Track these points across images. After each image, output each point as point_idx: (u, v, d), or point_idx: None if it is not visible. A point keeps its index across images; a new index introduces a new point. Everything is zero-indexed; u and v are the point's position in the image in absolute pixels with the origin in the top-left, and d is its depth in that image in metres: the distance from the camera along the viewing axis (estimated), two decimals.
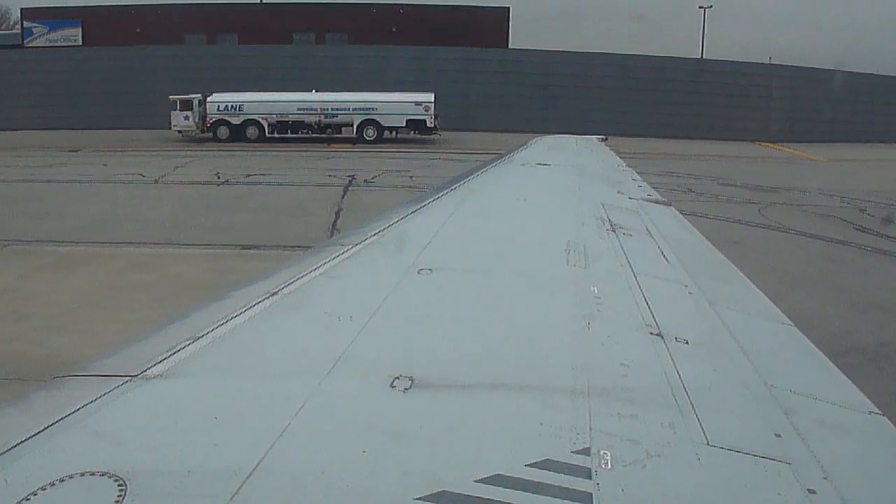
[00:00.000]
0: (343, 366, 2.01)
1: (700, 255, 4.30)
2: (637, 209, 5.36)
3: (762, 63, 44.49)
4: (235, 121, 34.69)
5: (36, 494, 1.36)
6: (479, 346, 2.32)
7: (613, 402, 1.92)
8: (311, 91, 35.15)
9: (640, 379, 2.12)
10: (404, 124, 34.96)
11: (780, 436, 1.88)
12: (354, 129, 34.73)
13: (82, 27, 45.04)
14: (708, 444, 1.76)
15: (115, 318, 9.49)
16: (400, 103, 34.70)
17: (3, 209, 17.23)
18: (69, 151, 30.33)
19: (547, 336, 2.48)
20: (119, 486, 1.39)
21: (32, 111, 39.30)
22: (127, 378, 1.88)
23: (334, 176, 23.50)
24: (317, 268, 2.99)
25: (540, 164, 7.70)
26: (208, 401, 1.84)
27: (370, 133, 34.82)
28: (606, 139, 11.80)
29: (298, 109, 34.66)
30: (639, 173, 7.98)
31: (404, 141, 34.80)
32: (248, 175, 23.74)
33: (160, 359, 2.00)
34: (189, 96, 34.48)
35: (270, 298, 2.57)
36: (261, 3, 46.69)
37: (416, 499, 1.41)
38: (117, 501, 1.35)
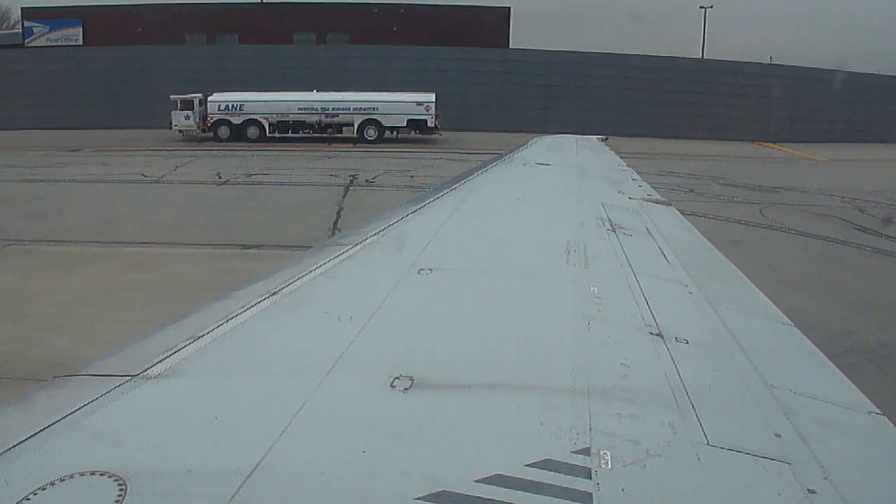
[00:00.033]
0: (343, 366, 2.01)
1: (700, 255, 4.30)
2: (637, 209, 5.36)
3: (762, 63, 44.48)
4: (236, 120, 34.68)
5: (36, 494, 1.36)
6: (479, 346, 2.32)
7: (613, 402, 1.92)
8: (312, 91, 35.16)
9: (640, 379, 2.12)
10: (405, 124, 34.95)
11: (780, 436, 1.88)
12: (355, 129, 34.73)
13: (83, 27, 45.06)
14: (708, 444, 1.76)
15: (116, 318, 9.49)
16: (401, 103, 34.69)
17: (4, 209, 17.23)
18: (69, 151, 30.33)
19: (547, 336, 2.48)
20: (119, 485, 1.40)
21: (33, 111, 39.31)
22: (127, 378, 1.88)
23: (335, 176, 23.50)
24: (317, 268, 2.99)
25: (540, 164, 7.70)
26: (208, 401, 1.84)
27: (371, 133, 34.82)
28: (606, 139, 11.81)
29: (299, 109, 34.66)
30: (639, 173, 7.98)
31: (405, 141, 34.79)
32: (249, 175, 23.74)
33: (160, 359, 2.00)
34: (190, 96, 34.46)
35: (270, 298, 2.57)
36: (261, 2, 46.68)
37: (416, 499, 1.41)
38: (117, 501, 1.35)
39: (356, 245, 3.41)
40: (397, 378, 1.92)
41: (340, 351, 2.09)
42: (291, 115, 34.61)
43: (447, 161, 26.57)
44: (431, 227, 3.88)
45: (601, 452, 1.63)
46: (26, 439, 1.57)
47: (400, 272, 2.96)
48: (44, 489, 1.38)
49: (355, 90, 34.98)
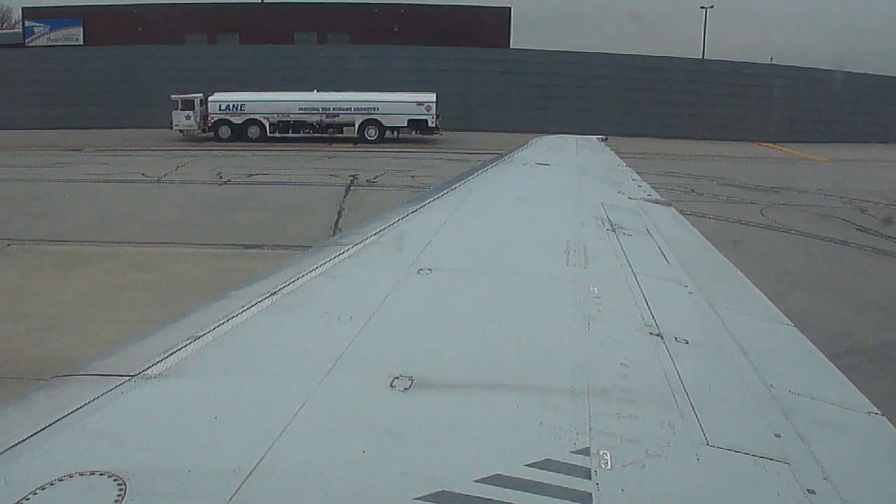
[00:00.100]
0: (343, 365, 2.01)
1: (700, 256, 4.30)
2: (637, 209, 5.37)
3: (762, 63, 44.53)
4: (237, 120, 34.70)
5: (35, 494, 1.36)
6: (478, 346, 2.32)
7: (613, 402, 1.92)
8: (313, 91, 35.18)
9: (640, 379, 2.12)
10: (406, 124, 34.98)
11: (779, 436, 1.88)
12: (356, 129, 34.75)
13: (83, 27, 45.11)
14: (708, 444, 1.76)
15: (116, 318, 9.49)
16: (401, 103, 34.71)
17: (4, 209, 17.23)
18: (70, 151, 30.34)
19: (547, 336, 2.48)
20: (119, 485, 1.40)
21: (34, 110, 39.33)
22: (127, 378, 1.88)
23: (336, 176, 23.50)
24: (317, 268, 2.99)
25: (540, 164, 7.70)
26: (208, 401, 1.84)
27: (372, 133, 34.83)
28: (606, 139, 11.81)
29: (300, 109, 34.68)
30: (639, 173, 7.98)
31: (406, 141, 34.80)
32: (250, 175, 23.74)
33: (160, 358, 2.00)
34: (191, 96, 34.48)
35: (270, 298, 2.57)
36: (262, 2, 46.71)
37: (416, 499, 1.41)
38: (117, 501, 1.35)
39: (356, 245, 3.41)
40: (397, 378, 1.92)
41: (340, 351, 2.09)
42: (292, 115, 34.63)
43: (447, 161, 26.58)
44: (431, 227, 3.87)
45: (601, 452, 1.63)
46: (26, 439, 1.57)
47: (400, 272, 2.96)
48: (43, 489, 1.38)
49: (356, 90, 35.00)
